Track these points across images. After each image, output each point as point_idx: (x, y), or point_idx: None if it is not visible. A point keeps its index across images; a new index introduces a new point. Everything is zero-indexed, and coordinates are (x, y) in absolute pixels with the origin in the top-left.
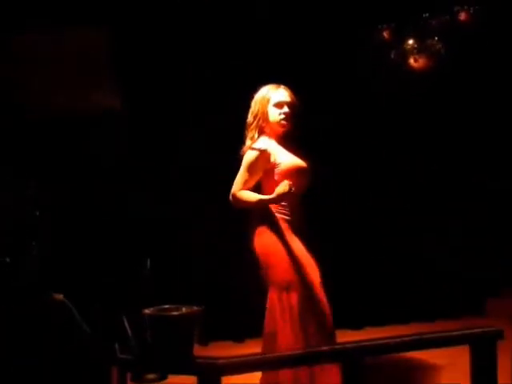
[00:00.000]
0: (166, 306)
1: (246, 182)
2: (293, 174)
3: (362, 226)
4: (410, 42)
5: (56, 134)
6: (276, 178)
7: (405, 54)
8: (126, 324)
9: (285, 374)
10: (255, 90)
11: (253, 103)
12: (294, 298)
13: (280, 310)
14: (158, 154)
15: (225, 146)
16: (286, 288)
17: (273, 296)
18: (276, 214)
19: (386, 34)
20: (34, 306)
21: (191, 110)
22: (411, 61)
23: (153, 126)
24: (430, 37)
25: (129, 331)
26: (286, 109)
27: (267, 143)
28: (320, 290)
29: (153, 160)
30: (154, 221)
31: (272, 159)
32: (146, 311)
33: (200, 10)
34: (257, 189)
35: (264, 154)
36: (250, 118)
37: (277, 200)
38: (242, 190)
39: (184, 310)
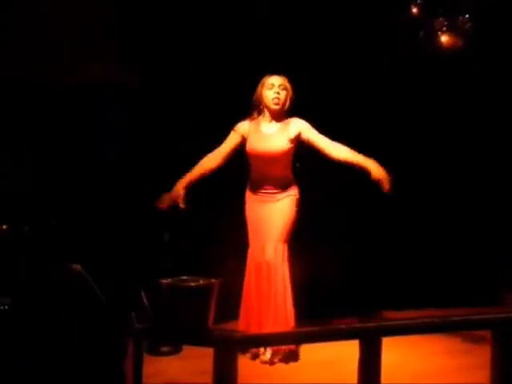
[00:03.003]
0: (184, 277)
1: (218, 149)
2: (251, 156)
3: (383, 215)
4: (440, 19)
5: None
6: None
7: (434, 32)
8: (143, 294)
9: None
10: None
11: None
12: (250, 253)
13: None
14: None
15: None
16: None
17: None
18: (248, 188)
19: (415, 11)
20: (53, 276)
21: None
22: (441, 39)
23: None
24: (461, 14)
25: (145, 301)
26: (276, 89)
27: (248, 123)
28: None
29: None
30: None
31: (239, 140)
32: (164, 281)
33: None
34: None
35: (234, 133)
36: (253, 100)
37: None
38: (209, 154)
39: (201, 281)
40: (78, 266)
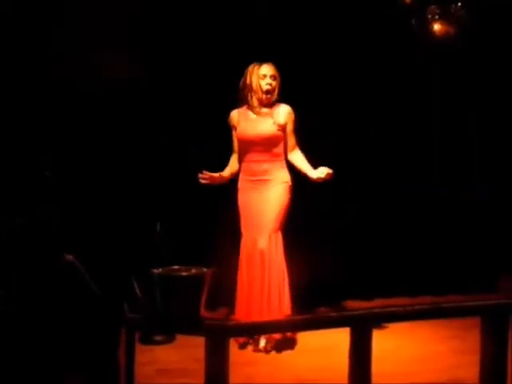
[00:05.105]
0: (176, 267)
1: (234, 142)
2: (242, 142)
3: (375, 202)
4: (432, 7)
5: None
6: None
7: (426, 20)
8: (136, 284)
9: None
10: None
11: (244, 75)
12: (243, 243)
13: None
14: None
15: None
16: (242, 234)
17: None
18: (240, 176)
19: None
20: (45, 265)
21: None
22: (433, 27)
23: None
24: (454, 2)
25: (138, 291)
26: (268, 80)
27: (237, 112)
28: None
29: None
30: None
31: (234, 124)
32: (156, 271)
33: None
34: None
35: (229, 119)
36: (240, 87)
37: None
38: (232, 156)
39: (194, 270)
40: (70, 257)
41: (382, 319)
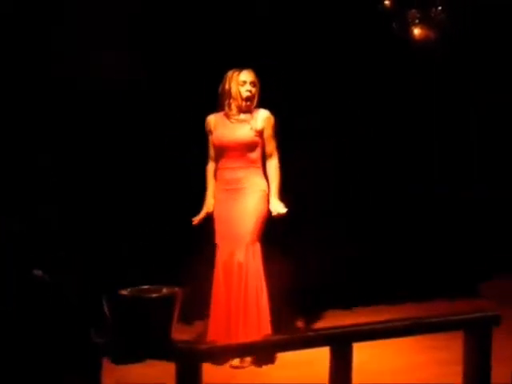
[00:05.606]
0: (145, 287)
1: (210, 149)
2: (218, 148)
3: (357, 208)
4: (413, 11)
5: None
6: None
7: (407, 24)
8: (104, 303)
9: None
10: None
11: (223, 81)
12: (219, 255)
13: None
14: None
15: None
16: (218, 246)
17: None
18: (216, 184)
19: (387, 3)
20: (14, 282)
21: None
22: (413, 31)
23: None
24: (434, 6)
25: (106, 311)
26: (248, 86)
27: (214, 116)
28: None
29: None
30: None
31: (210, 129)
32: (124, 292)
33: None
34: None
35: (206, 124)
36: (219, 93)
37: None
38: (208, 164)
39: (164, 290)
40: (39, 272)
41: (363, 337)
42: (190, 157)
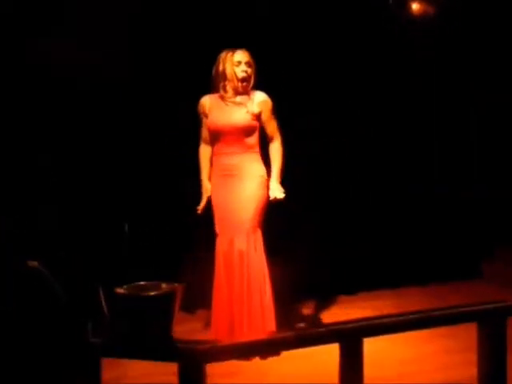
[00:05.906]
0: (143, 283)
1: (203, 131)
2: (212, 131)
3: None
4: None
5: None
6: None
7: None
8: (102, 298)
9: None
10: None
11: (216, 62)
12: (219, 243)
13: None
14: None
15: None
16: (217, 235)
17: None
18: (213, 170)
19: None
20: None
21: None
22: (411, 6)
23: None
24: None
25: (104, 307)
26: (243, 66)
27: (208, 98)
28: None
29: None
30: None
31: (205, 111)
32: (120, 290)
33: None
34: None
35: (200, 106)
36: (213, 75)
37: None
38: (200, 147)
39: (164, 286)
40: (34, 263)
41: (373, 332)
42: (190, 157)
